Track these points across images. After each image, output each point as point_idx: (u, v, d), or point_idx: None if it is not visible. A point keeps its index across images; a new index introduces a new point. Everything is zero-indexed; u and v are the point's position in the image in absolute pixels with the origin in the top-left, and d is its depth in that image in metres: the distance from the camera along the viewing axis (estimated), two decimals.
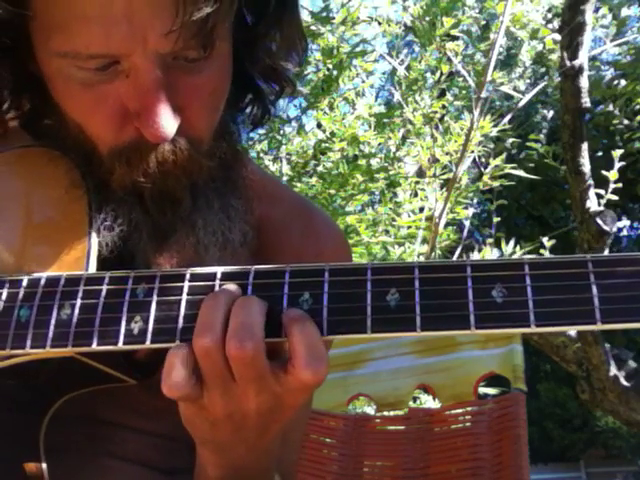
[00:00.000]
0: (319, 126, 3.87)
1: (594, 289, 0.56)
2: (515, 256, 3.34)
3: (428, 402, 3.22)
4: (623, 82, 4.73)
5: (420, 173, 3.82)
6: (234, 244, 0.78)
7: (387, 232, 3.63)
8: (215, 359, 0.59)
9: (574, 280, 0.57)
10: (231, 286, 0.62)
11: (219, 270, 0.63)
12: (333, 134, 3.62)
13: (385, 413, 1.62)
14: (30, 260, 0.72)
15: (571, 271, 0.58)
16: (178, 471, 0.84)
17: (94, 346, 0.63)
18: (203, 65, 0.70)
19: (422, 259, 3.48)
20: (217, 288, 0.63)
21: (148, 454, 0.81)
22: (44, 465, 0.69)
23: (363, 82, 3.94)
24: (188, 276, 0.64)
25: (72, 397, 0.71)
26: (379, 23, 4.02)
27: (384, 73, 5.57)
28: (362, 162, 3.64)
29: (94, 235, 0.71)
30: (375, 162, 3.71)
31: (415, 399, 3.21)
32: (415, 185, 3.70)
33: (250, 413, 0.62)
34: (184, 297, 0.63)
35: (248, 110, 0.85)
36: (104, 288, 0.65)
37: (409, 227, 3.59)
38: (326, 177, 3.66)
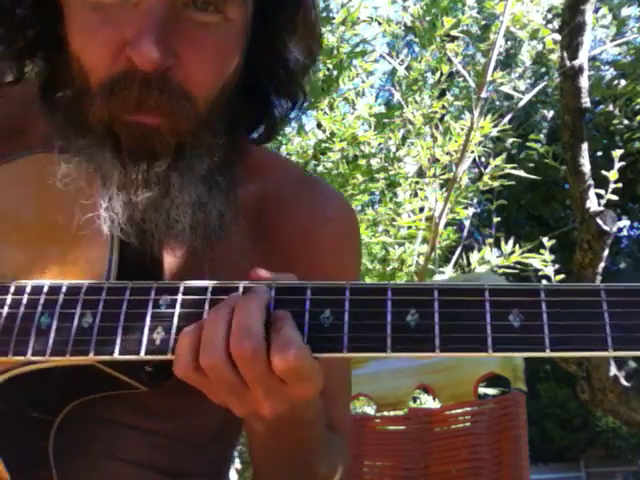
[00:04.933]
0: (319, 126, 3.86)
1: (606, 317, 0.59)
2: (514, 256, 3.34)
3: (428, 402, 3.22)
4: (623, 82, 4.73)
5: (420, 173, 3.82)
6: (210, 218, 0.76)
7: (387, 232, 3.63)
8: (222, 373, 0.61)
9: (587, 307, 0.60)
10: (233, 294, 0.64)
11: (241, 284, 0.65)
12: (333, 134, 3.62)
13: (385, 413, 1.62)
14: (52, 263, 0.72)
15: (585, 299, 0.60)
16: (182, 473, 0.84)
17: (116, 355, 0.63)
18: (213, 23, 0.71)
19: (422, 259, 3.48)
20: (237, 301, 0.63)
21: (152, 455, 0.81)
22: (53, 466, 0.69)
23: (363, 82, 3.94)
24: (210, 289, 0.65)
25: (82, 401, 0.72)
26: (379, 23, 4.02)
27: (384, 73, 5.58)
28: (362, 162, 3.63)
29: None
30: (375, 162, 3.71)
31: (415, 399, 3.21)
32: (415, 185, 3.69)
33: (268, 416, 0.63)
34: (206, 308, 0.64)
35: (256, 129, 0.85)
36: (126, 298, 0.66)
37: (409, 227, 3.59)
38: (326, 177, 3.66)
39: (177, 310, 0.64)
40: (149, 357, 0.63)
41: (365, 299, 0.62)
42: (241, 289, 0.64)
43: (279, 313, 0.62)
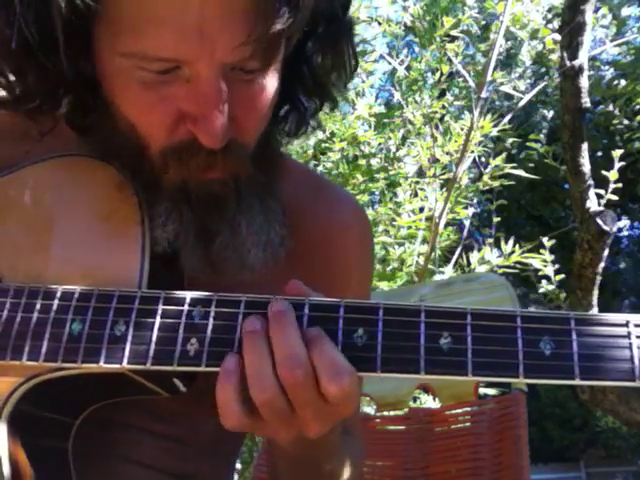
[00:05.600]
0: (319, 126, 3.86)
1: (635, 348, 0.60)
2: (514, 256, 3.33)
3: (428, 402, 3.21)
4: (623, 82, 4.72)
5: (420, 173, 3.82)
6: (274, 245, 0.79)
7: (387, 232, 3.62)
8: (276, 404, 0.62)
9: (614, 337, 0.61)
10: (254, 320, 0.64)
11: (273, 299, 0.65)
12: (333, 134, 3.62)
13: (385, 413, 1.62)
14: (84, 266, 0.72)
15: (612, 330, 0.61)
16: (188, 475, 0.84)
17: (148, 365, 0.64)
18: (259, 76, 0.71)
19: (422, 259, 3.47)
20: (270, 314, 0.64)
21: (161, 458, 0.82)
22: (72, 468, 0.70)
23: (363, 82, 3.94)
24: (243, 302, 0.66)
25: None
26: (379, 23, 4.01)
27: (384, 73, 5.57)
28: (362, 162, 3.63)
29: (147, 233, 0.72)
30: (375, 162, 3.70)
31: (415, 399, 3.21)
32: (415, 185, 3.69)
33: (314, 436, 0.65)
34: (239, 321, 0.64)
35: (285, 121, 0.86)
36: (159, 308, 0.66)
37: (409, 227, 3.58)
38: (326, 177, 3.66)
39: (210, 322, 0.64)
40: (183, 368, 0.63)
41: (398, 320, 0.63)
42: (274, 302, 0.64)
43: (313, 332, 0.63)
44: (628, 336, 0.60)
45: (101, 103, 0.74)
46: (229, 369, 0.62)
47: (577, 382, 0.60)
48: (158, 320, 0.65)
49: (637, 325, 0.61)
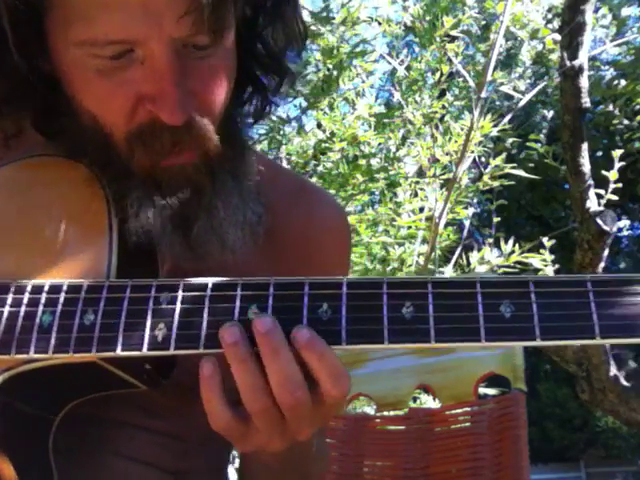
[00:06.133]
0: (319, 126, 3.86)
1: (593, 307, 0.61)
2: (514, 256, 3.33)
3: (428, 402, 3.22)
4: (623, 82, 4.72)
5: (420, 173, 3.82)
6: (252, 224, 0.80)
7: (387, 232, 3.62)
8: (272, 413, 0.62)
9: (576, 298, 0.62)
10: (235, 332, 0.63)
11: (240, 281, 0.66)
12: (333, 134, 3.62)
13: (385, 413, 1.62)
14: (53, 264, 0.72)
15: (571, 289, 0.62)
16: (182, 471, 0.84)
17: (118, 352, 0.64)
18: (212, 52, 0.72)
19: (422, 259, 3.48)
20: (237, 301, 0.65)
21: (155, 453, 0.82)
22: (53, 465, 0.69)
23: (363, 82, 3.94)
24: (210, 285, 0.66)
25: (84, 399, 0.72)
26: (379, 23, 4.01)
27: (384, 73, 5.57)
28: (362, 162, 3.63)
29: (114, 225, 0.72)
30: (375, 162, 3.71)
31: (415, 399, 3.21)
32: (415, 185, 3.69)
33: (304, 438, 0.66)
34: (206, 305, 0.65)
35: (249, 104, 0.86)
36: (127, 295, 0.66)
37: (409, 227, 3.58)
38: (326, 177, 3.66)
39: (178, 307, 0.65)
40: (152, 353, 0.64)
41: (361, 293, 0.64)
42: (239, 288, 0.65)
43: (305, 335, 0.62)
44: (586, 295, 0.61)
45: (64, 103, 0.75)
46: (207, 375, 0.62)
47: (538, 343, 0.61)
48: (125, 307, 0.65)
49: (594, 282, 0.62)
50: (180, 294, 0.66)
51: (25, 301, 0.68)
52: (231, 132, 0.79)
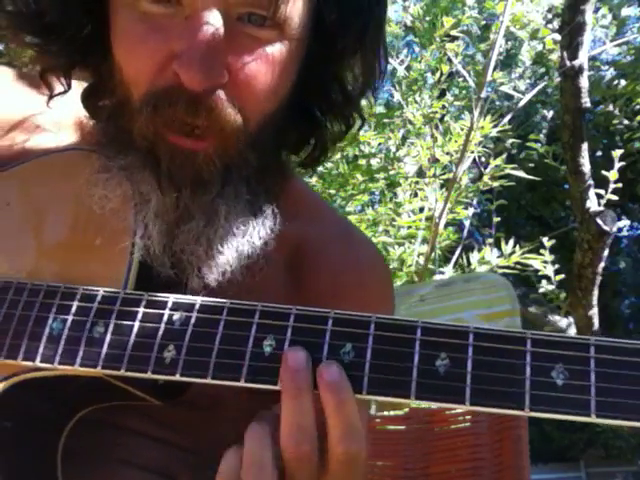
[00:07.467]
0: None
1: None
2: (515, 256, 3.33)
3: None
4: (623, 82, 4.72)
5: (420, 173, 3.82)
6: (254, 248, 0.71)
7: (387, 232, 3.62)
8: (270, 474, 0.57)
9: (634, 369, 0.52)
10: (265, 420, 0.58)
11: (259, 308, 0.60)
12: None
13: (385, 413, 1.62)
14: (73, 265, 0.69)
15: (633, 359, 0.53)
16: None
17: (123, 371, 0.61)
18: (269, 38, 0.66)
19: (422, 259, 3.47)
20: (253, 330, 0.60)
21: (167, 465, 0.79)
22: (59, 472, 0.67)
23: None
24: (226, 310, 0.61)
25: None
26: None
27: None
28: (362, 162, 3.63)
29: (139, 231, 0.67)
30: (375, 162, 3.71)
31: None
32: (415, 185, 3.69)
33: None
34: (220, 331, 0.60)
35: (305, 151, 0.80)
36: (140, 310, 0.63)
37: (409, 227, 3.58)
38: (326, 177, 3.66)
39: (189, 329, 0.61)
40: (156, 377, 0.60)
41: (391, 336, 0.57)
42: (258, 313, 0.60)
43: (329, 378, 0.55)
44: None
45: (112, 78, 0.70)
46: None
47: (593, 419, 0.51)
48: (137, 324, 0.62)
49: None
50: (194, 315, 0.61)
51: (37, 306, 0.65)
52: (266, 143, 0.71)
